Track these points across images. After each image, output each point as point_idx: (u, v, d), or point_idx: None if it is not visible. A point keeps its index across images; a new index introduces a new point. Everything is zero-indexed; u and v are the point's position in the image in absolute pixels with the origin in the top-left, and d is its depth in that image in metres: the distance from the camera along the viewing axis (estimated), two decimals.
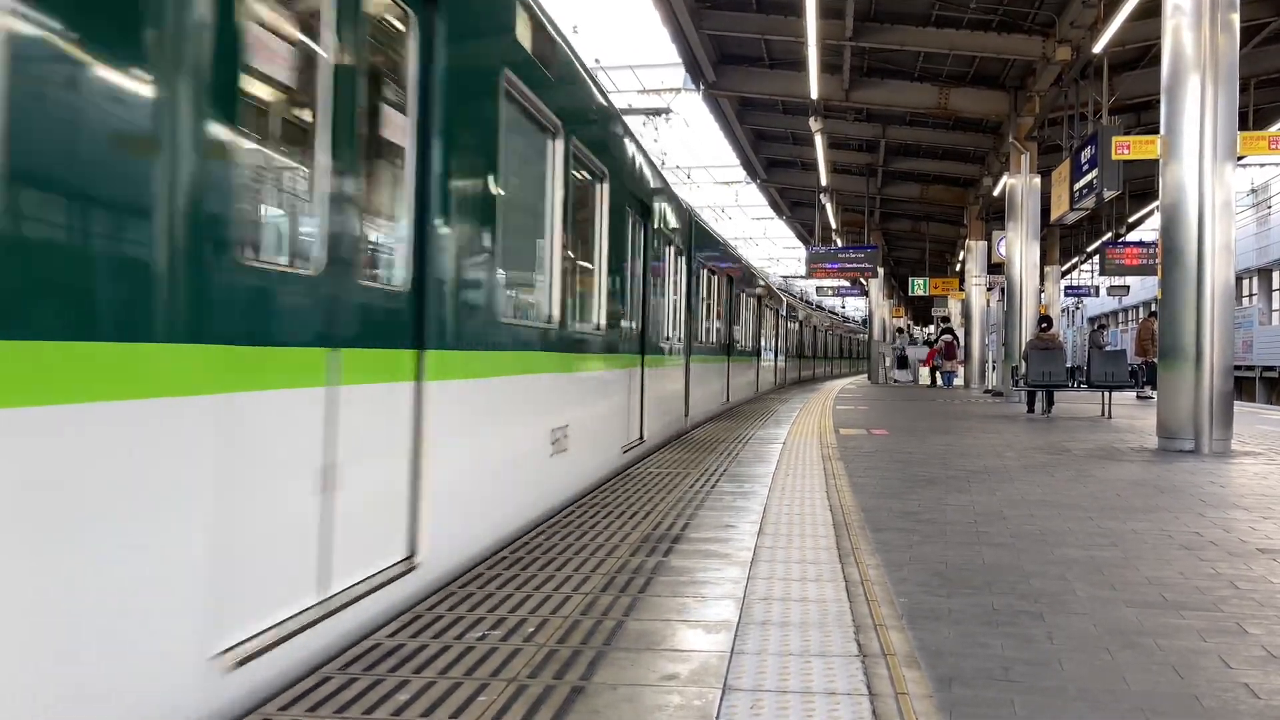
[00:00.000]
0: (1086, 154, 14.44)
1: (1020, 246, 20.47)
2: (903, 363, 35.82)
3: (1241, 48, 10.25)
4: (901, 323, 39.39)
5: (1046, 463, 8.73)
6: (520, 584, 4.03)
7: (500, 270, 4.83)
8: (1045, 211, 19.05)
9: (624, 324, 8.04)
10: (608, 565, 4.39)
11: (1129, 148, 11.46)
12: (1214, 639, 3.41)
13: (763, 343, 22.30)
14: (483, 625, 3.45)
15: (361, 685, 2.85)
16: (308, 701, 2.72)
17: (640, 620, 3.53)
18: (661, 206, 10.01)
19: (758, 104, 23.35)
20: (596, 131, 6.97)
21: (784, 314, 27.23)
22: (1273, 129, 18.56)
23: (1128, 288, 38.83)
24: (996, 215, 24.46)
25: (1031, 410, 16.25)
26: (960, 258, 33.50)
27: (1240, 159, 13.27)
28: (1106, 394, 15.43)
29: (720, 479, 7.31)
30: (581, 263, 6.89)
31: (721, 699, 2.75)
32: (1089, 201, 14.72)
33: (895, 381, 33.66)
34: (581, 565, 4.39)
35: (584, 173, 6.87)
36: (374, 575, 3.52)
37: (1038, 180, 20.10)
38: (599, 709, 2.68)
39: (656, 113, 27.29)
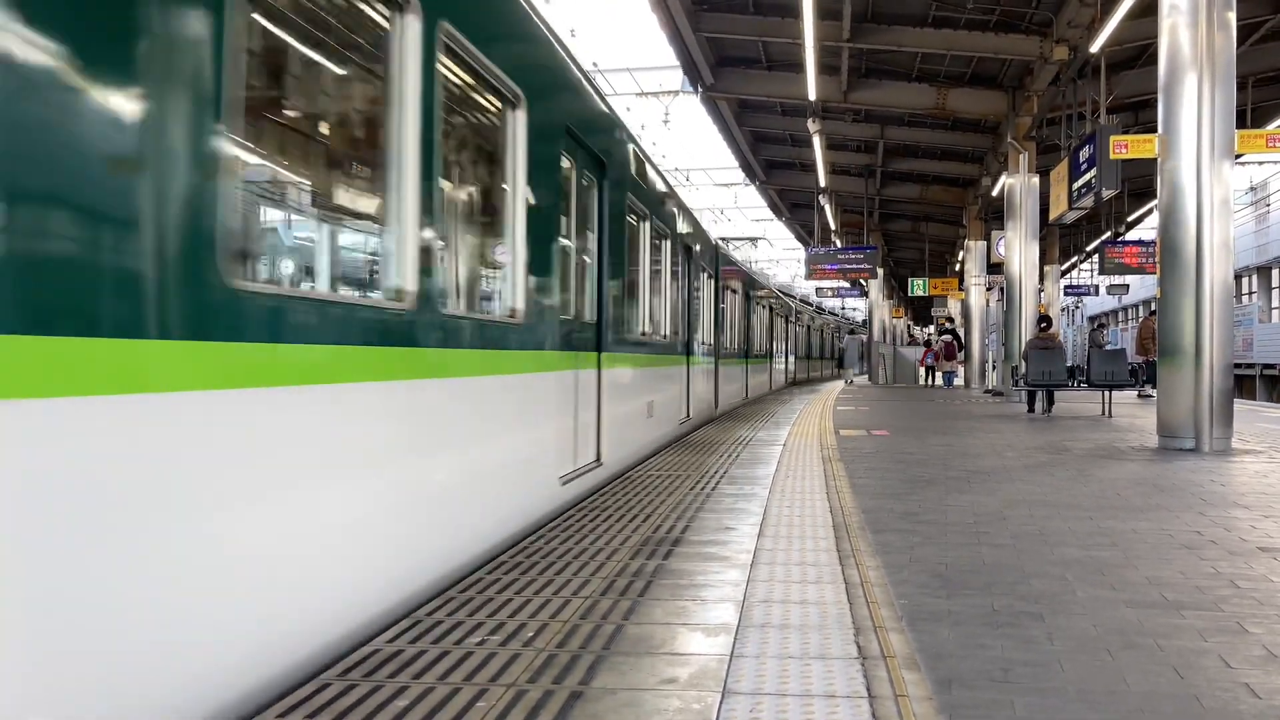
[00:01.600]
0: (1085, 153, 14.43)
1: (1019, 246, 20.47)
2: (841, 361, 35.65)
3: (1239, 46, 10.26)
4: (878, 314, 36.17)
5: (1047, 462, 8.73)
6: (519, 588, 4.03)
7: (635, 312, 9.18)
8: (1044, 211, 19.04)
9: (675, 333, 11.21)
10: (607, 569, 4.39)
11: (1127, 147, 11.46)
12: (1214, 639, 3.41)
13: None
14: (482, 630, 3.45)
15: (360, 691, 2.84)
16: (307, 708, 2.71)
17: (640, 624, 3.53)
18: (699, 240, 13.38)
19: (756, 106, 23.35)
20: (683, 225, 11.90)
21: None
22: (1270, 127, 18.56)
23: (1127, 286, 38.85)
24: (995, 215, 24.50)
25: (1032, 410, 16.25)
26: (959, 258, 33.55)
27: (1238, 157, 13.30)
28: (1107, 393, 15.43)
29: (720, 481, 7.31)
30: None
31: (721, 702, 2.75)
32: (1088, 201, 14.71)
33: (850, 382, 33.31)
34: (581, 569, 4.38)
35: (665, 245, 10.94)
36: (588, 463, 6.91)
37: (1036, 180, 20.10)
38: (598, 714, 2.67)
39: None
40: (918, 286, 34.32)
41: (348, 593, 3.42)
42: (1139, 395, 19.76)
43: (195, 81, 2.57)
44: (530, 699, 2.78)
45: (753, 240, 48.40)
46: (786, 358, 30.05)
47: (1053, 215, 17.02)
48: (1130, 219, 29.69)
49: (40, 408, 2.06)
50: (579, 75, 6.84)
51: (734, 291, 17.93)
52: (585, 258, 7.10)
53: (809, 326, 39.03)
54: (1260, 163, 33.09)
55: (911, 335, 51.70)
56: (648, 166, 9.78)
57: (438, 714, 2.68)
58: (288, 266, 4.32)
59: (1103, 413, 15.18)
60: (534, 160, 5.51)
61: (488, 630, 3.44)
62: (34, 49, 2.07)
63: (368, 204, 4.29)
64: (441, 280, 4.25)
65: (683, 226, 11.90)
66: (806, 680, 2.93)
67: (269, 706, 2.77)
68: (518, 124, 5.36)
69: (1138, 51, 17.40)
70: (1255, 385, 33.33)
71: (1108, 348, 22.18)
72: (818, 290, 42.52)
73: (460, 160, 5.09)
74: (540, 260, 5.59)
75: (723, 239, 30.74)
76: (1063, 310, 44.52)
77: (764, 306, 23.53)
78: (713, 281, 15.07)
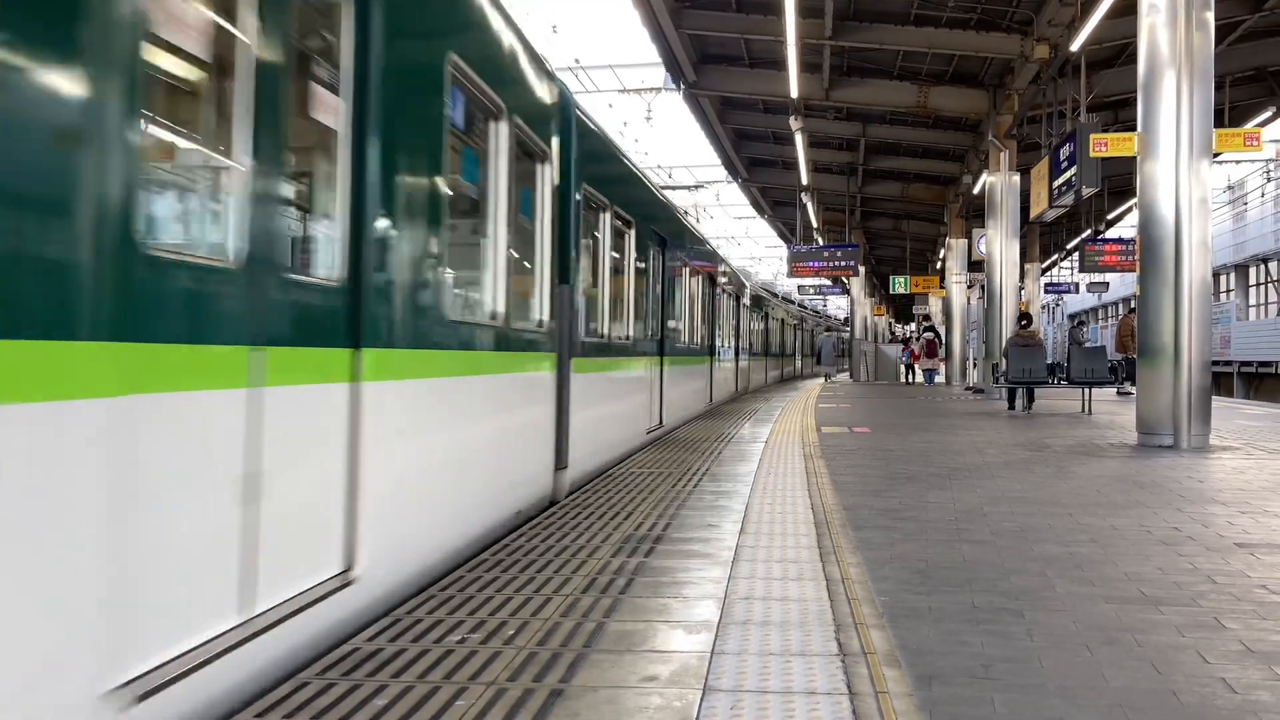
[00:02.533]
0: (1065, 151, 14.51)
1: (1000, 244, 20.56)
2: (819, 358, 35.88)
3: (1216, 46, 10.34)
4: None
5: (1027, 459, 8.77)
6: (500, 586, 4.01)
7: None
8: (1025, 209, 19.16)
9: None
10: (589, 566, 4.38)
11: (1107, 145, 11.53)
12: (1192, 634, 3.42)
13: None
14: (462, 628, 3.43)
15: (339, 690, 2.82)
16: (284, 708, 2.69)
17: (621, 621, 3.52)
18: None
19: (738, 103, 23.36)
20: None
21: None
22: (1248, 126, 18.72)
23: (1107, 284, 39.16)
24: (976, 213, 24.60)
25: (1012, 407, 16.32)
26: (941, 255, 33.73)
27: (1216, 156, 13.40)
28: (1086, 390, 15.51)
29: (702, 478, 7.30)
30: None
31: (702, 700, 2.74)
32: (1068, 199, 14.79)
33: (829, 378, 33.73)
34: (562, 567, 4.37)
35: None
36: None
37: (1017, 178, 20.19)
38: (578, 712, 2.66)
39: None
40: (899, 284, 34.45)
41: None
42: (1118, 392, 19.88)
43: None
44: (511, 697, 2.77)
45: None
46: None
47: (1033, 213, 17.12)
48: (1110, 217, 29.86)
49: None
50: None
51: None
52: None
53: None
54: (1237, 161, 33.35)
55: (893, 333, 51.92)
56: None
57: (417, 712, 2.66)
58: None
59: (1082, 410, 15.27)
60: None
61: (468, 628, 3.43)
62: None
63: None
64: None
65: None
66: (788, 677, 2.93)
67: (247, 706, 2.75)
68: None
69: (1117, 50, 17.50)
70: (1233, 383, 33.62)
71: (1088, 345, 22.35)
72: (800, 287, 42.60)
73: None
74: None
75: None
76: (1043, 308, 44.79)
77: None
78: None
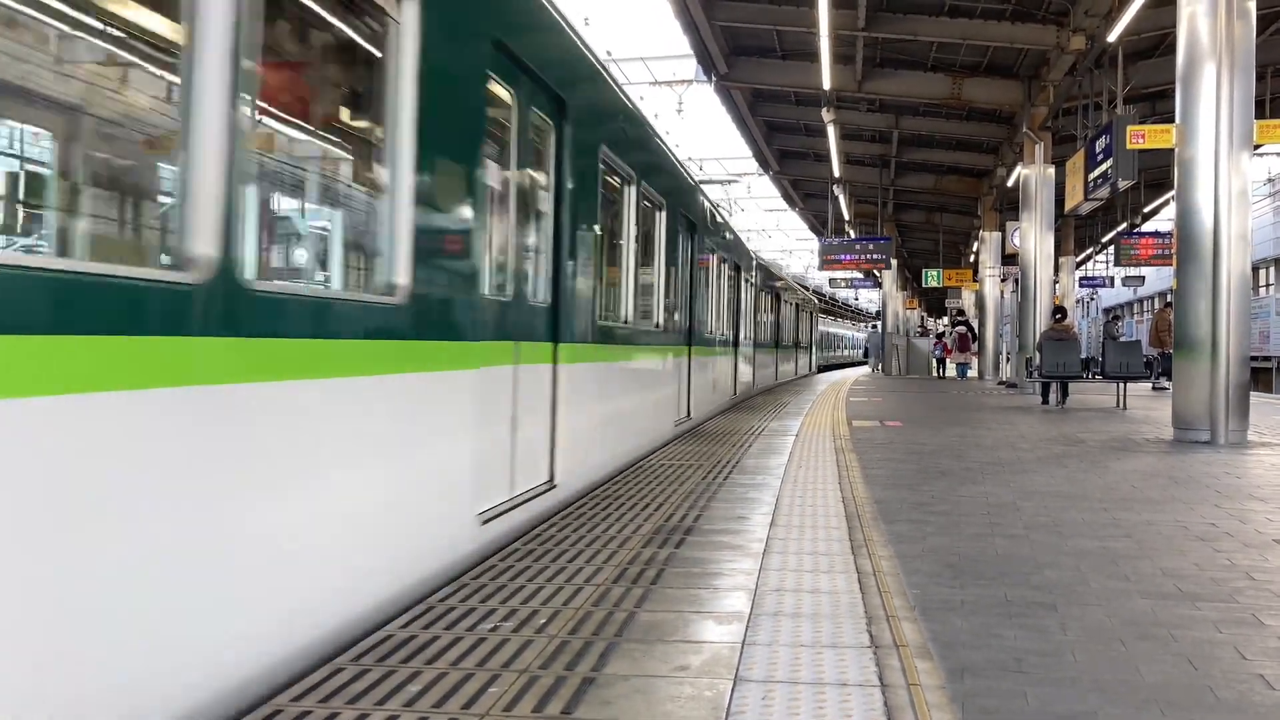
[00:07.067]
0: (1101, 143, 14.33)
1: (1034, 237, 20.37)
2: (866, 351, 37.13)
3: (1258, 35, 10.16)
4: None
5: (1061, 454, 8.69)
6: (532, 575, 4.04)
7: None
8: (1060, 202, 18.94)
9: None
10: (620, 557, 4.39)
11: (1144, 137, 11.40)
12: (1229, 630, 3.39)
13: None
14: (495, 617, 3.46)
15: (374, 676, 2.86)
16: (320, 693, 2.73)
17: (652, 611, 3.53)
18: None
19: (770, 95, 23.27)
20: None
21: None
22: None
23: (1143, 278, 38.60)
24: (1010, 206, 24.38)
25: (1046, 401, 16.17)
26: (974, 249, 33.42)
27: (1257, 148, 13.18)
28: (1121, 385, 15.34)
29: (733, 471, 7.30)
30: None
31: (733, 690, 2.75)
32: (1104, 191, 14.62)
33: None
34: (594, 557, 4.39)
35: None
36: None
37: (1052, 170, 19.99)
38: (610, 700, 2.68)
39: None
40: (932, 277, 34.19)
41: None
42: (1154, 387, 19.65)
43: None
44: (542, 685, 2.79)
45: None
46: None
47: (1068, 206, 16.93)
48: (1147, 210, 29.46)
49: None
50: None
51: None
52: None
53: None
54: (1278, 153, 32.80)
55: (924, 327, 51.59)
56: None
57: (450, 698, 2.69)
58: None
59: (1117, 405, 15.10)
60: None
61: (500, 617, 3.45)
62: None
63: None
64: None
65: None
66: (819, 668, 2.93)
67: (282, 690, 2.79)
68: None
69: (1156, 41, 17.25)
70: (1271, 378, 33.11)
71: (1123, 339, 22.06)
72: (831, 281, 42.42)
73: None
74: None
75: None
76: (1078, 302, 44.26)
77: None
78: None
